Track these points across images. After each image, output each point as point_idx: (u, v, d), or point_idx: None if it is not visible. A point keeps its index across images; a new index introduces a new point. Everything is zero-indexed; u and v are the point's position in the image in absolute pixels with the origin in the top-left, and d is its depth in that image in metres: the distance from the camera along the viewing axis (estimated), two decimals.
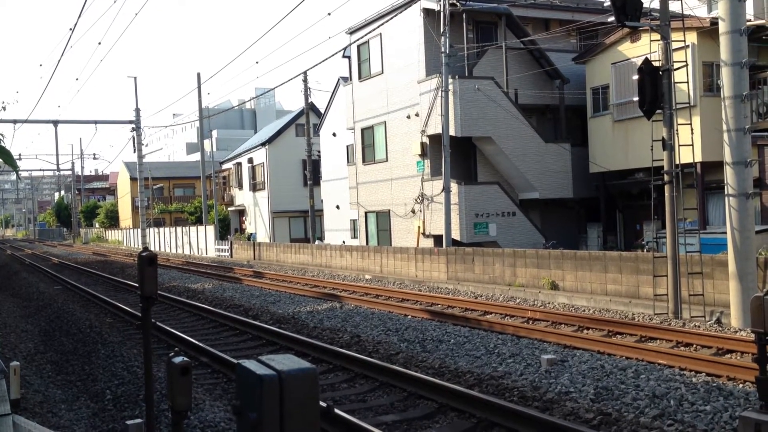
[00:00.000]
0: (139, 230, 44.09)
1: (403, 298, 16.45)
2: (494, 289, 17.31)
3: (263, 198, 42.67)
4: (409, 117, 24.89)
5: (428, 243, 23.83)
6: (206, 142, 48.62)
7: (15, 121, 34.61)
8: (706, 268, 12.73)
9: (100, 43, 28.52)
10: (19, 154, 54.73)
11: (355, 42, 28.07)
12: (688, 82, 14.40)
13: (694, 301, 12.50)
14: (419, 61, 24.07)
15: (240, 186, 47.33)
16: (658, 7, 13.44)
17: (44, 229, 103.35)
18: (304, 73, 34.81)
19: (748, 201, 11.44)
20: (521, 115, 23.35)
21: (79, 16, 19.52)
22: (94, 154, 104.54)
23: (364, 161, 28.34)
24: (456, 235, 22.16)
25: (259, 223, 43.76)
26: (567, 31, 24.98)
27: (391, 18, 24.37)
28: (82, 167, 76.10)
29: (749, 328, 9.09)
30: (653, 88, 12.65)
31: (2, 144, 3.95)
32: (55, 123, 38.18)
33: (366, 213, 28.42)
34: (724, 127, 11.51)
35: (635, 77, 14.03)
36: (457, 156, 22.92)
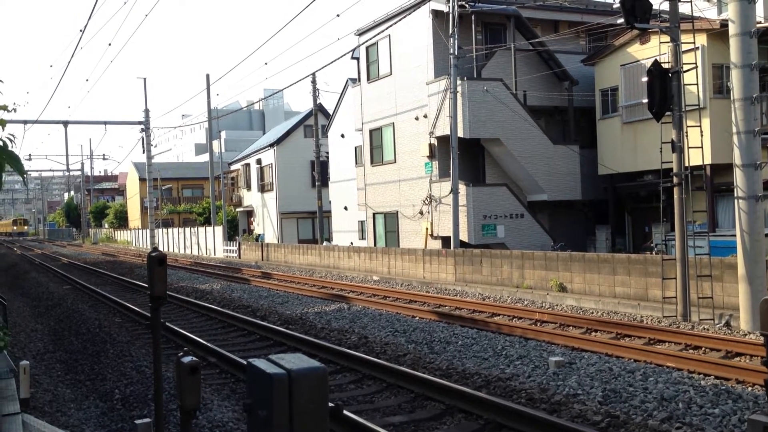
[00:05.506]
0: (148, 231, 44.26)
1: (411, 300, 16.45)
2: (502, 291, 17.29)
3: (271, 199, 42.77)
4: (417, 118, 24.90)
5: (436, 244, 23.82)
6: (215, 143, 48.79)
7: (25, 122, 34.82)
8: (715, 271, 12.67)
9: (110, 44, 28.62)
10: (29, 155, 55.09)
11: (363, 43, 28.11)
12: (697, 84, 14.35)
13: (703, 304, 12.45)
14: (428, 62, 24.08)
15: (248, 187, 47.45)
16: (668, 9, 13.41)
17: (54, 229, 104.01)
18: (313, 74, 34.85)
19: (758, 204, 11.40)
20: (530, 117, 23.33)
21: (90, 17, 19.61)
22: (104, 155, 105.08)
23: (372, 162, 28.36)
24: (464, 236, 22.15)
25: (267, 224, 43.85)
26: (576, 32, 24.94)
27: (400, 19, 24.40)
28: (92, 168, 76.53)
29: (758, 331, 9.06)
30: (662, 90, 12.62)
31: (12, 147, 3.96)
32: (65, 123, 38.37)
33: (374, 214, 28.45)
34: (734, 130, 11.48)
35: (644, 79, 14.00)
36: (465, 157, 22.92)
